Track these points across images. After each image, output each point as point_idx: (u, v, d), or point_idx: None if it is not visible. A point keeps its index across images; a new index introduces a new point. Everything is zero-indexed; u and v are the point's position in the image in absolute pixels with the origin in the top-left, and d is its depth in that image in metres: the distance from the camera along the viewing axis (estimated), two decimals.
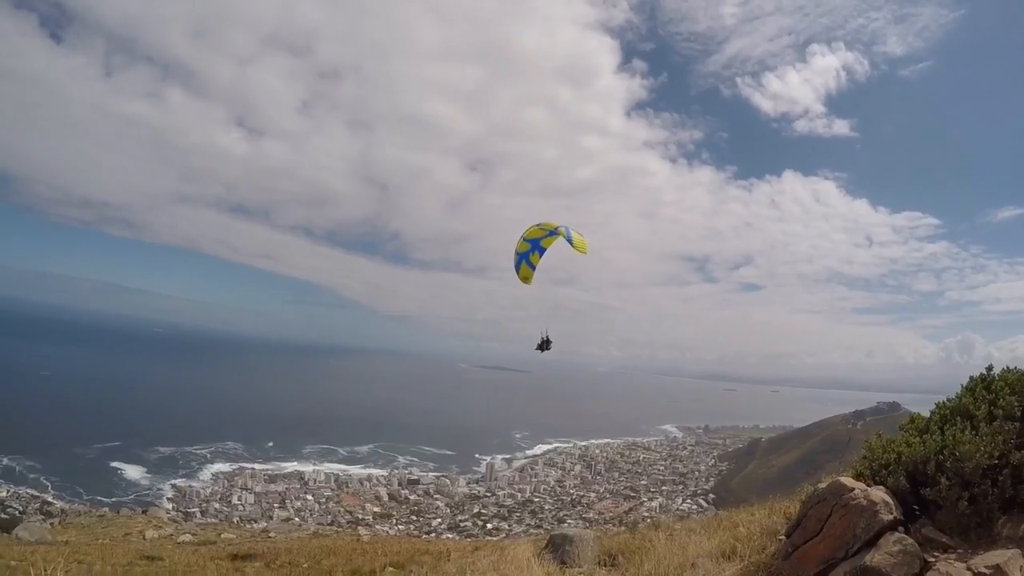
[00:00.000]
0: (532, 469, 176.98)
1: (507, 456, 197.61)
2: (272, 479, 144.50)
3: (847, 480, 10.47)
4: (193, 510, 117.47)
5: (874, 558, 9.01)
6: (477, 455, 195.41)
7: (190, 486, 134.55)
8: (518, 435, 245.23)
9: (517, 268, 25.20)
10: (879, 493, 9.84)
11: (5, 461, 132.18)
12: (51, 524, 68.05)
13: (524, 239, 24.59)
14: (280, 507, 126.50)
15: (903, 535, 9.35)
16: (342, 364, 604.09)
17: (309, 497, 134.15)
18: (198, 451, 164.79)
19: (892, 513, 9.61)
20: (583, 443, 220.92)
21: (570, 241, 23.06)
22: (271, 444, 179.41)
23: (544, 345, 27.73)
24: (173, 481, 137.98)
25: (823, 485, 10.79)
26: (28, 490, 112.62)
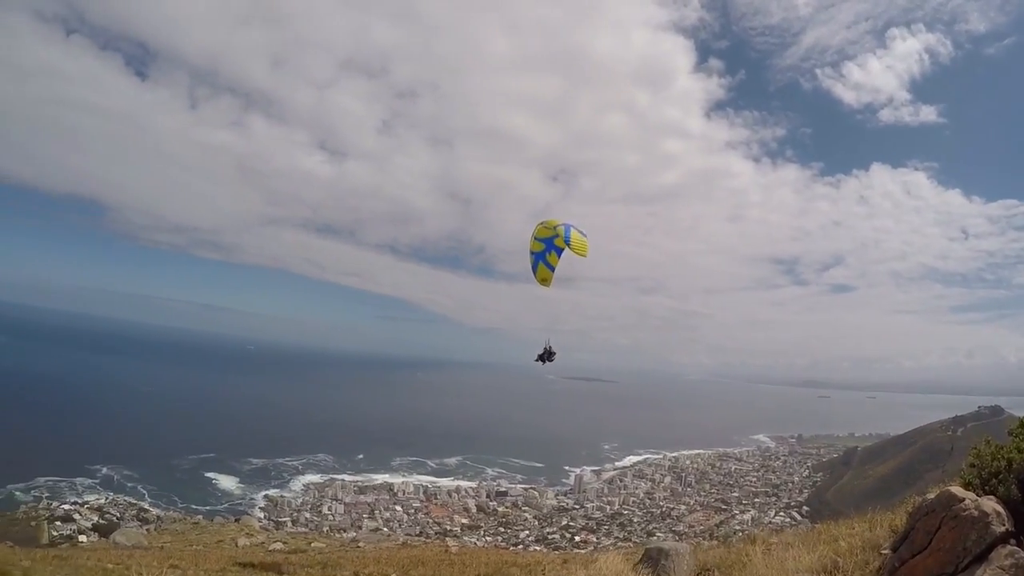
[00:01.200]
0: (621, 481, 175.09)
1: (596, 468, 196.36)
2: (362, 490, 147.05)
3: (957, 490, 9.90)
4: (284, 519, 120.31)
5: (985, 572, 8.60)
6: (566, 467, 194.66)
7: (282, 496, 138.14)
8: (607, 446, 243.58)
9: (534, 269, 24.74)
10: (990, 503, 9.35)
11: (105, 470, 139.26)
12: (147, 530, 70.44)
13: (536, 239, 24.05)
14: (369, 517, 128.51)
15: (1015, 548, 8.86)
16: (430, 377, 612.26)
17: (398, 508, 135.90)
18: (290, 463, 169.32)
19: (1004, 525, 9.12)
20: (673, 454, 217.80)
21: (567, 241, 22.32)
22: (361, 456, 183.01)
23: (546, 356, 26.54)
24: (265, 491, 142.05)
25: (931, 495, 10.32)
26: (126, 498, 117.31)
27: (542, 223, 24.00)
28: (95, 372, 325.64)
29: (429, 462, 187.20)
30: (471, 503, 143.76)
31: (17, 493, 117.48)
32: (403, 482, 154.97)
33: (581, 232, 22.91)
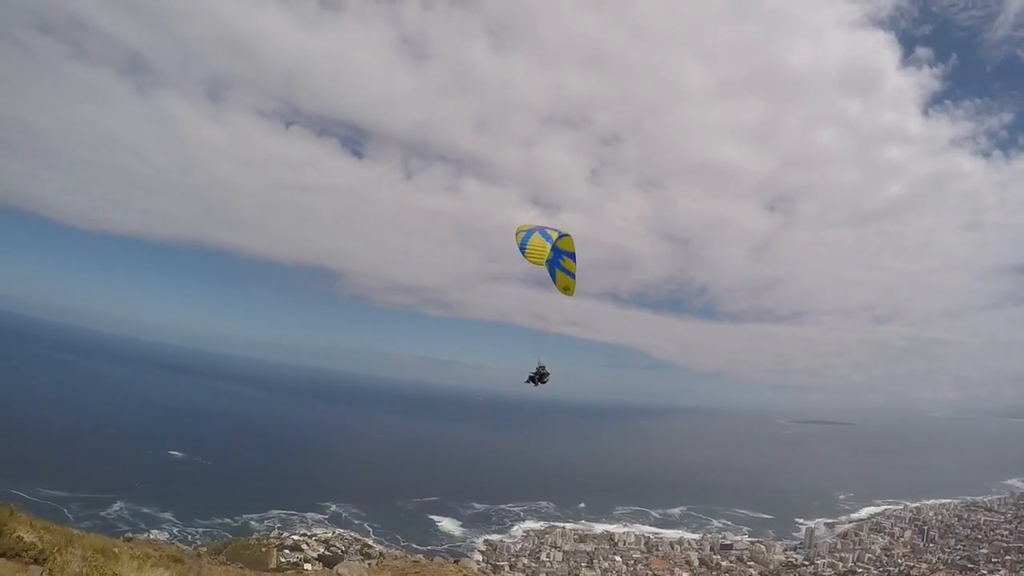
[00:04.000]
0: (856, 535, 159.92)
1: (829, 520, 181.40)
2: (582, 539, 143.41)
3: None
4: (503, 564, 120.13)
5: None
6: (796, 519, 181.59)
7: (502, 541, 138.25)
8: (841, 496, 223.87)
9: (553, 278, 24.01)
10: None
11: (334, 507, 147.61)
12: (368, 564, 71.64)
13: (535, 248, 21.68)
14: (587, 567, 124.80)
15: None
16: (654, 424, 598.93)
17: (617, 558, 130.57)
18: (512, 508, 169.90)
19: None
20: (914, 504, 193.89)
21: (521, 249, 21.32)
22: (583, 504, 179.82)
23: (538, 378, 24.91)
24: (486, 536, 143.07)
25: None
26: (352, 533, 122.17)
27: (525, 231, 22.33)
28: (332, 420, 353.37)
29: (652, 512, 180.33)
30: (694, 556, 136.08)
31: (252, 522, 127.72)
32: (624, 532, 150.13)
33: (549, 238, 21.77)
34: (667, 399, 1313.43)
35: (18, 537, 14.03)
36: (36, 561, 13.29)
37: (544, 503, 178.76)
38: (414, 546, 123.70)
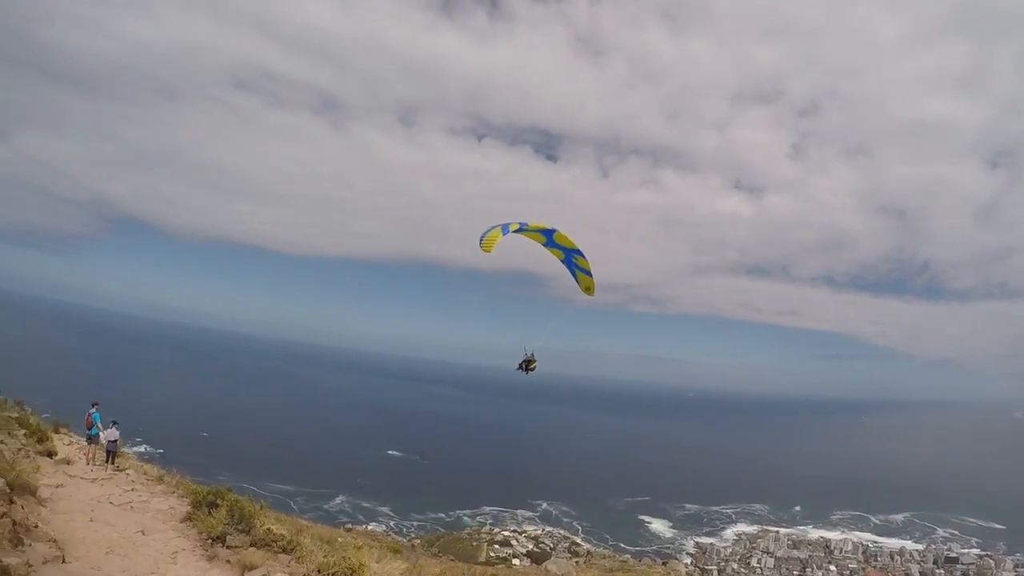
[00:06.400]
0: None
1: None
2: (795, 545, 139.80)
3: None
4: (711, 568, 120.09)
5: None
6: None
7: (712, 544, 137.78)
8: None
9: (575, 279, 25.62)
10: None
11: (545, 505, 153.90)
12: (576, 562, 75.79)
13: (487, 238, 23.04)
14: (800, 575, 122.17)
15: None
16: (875, 421, 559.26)
17: (832, 567, 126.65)
18: (724, 510, 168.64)
19: None
20: None
21: (480, 241, 22.78)
22: (798, 508, 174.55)
23: (525, 365, 25.51)
24: (696, 538, 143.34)
25: None
26: (561, 531, 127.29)
27: (501, 229, 23.59)
28: (544, 420, 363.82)
29: (872, 518, 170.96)
30: (914, 569, 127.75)
31: (465, 517, 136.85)
32: (841, 539, 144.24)
33: (506, 227, 23.13)
34: (889, 391, 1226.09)
35: (268, 529, 18.45)
36: (284, 551, 16.58)
37: (758, 505, 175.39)
38: (622, 546, 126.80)
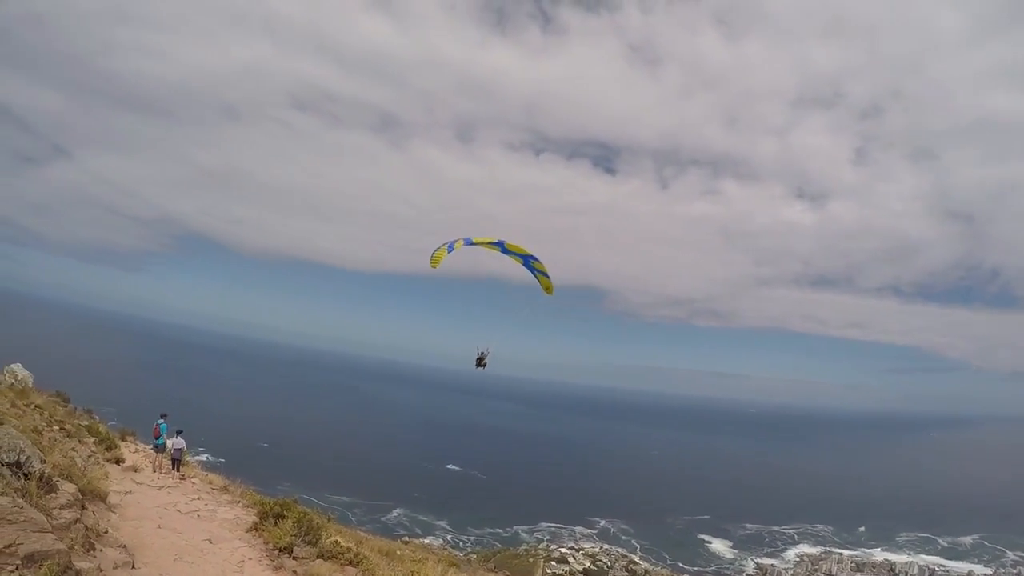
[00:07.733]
0: None
1: None
2: (859, 567, 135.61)
3: None
4: None
5: None
6: None
7: (772, 565, 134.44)
8: None
9: (539, 282, 26.57)
10: None
11: (603, 522, 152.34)
12: None
13: (435, 256, 24.11)
14: None
15: None
16: (946, 437, 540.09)
17: None
18: (786, 531, 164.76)
19: None
20: None
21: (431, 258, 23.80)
22: (863, 529, 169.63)
23: (478, 361, 26.86)
24: (756, 559, 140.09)
25: None
26: (618, 549, 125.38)
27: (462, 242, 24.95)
28: (605, 436, 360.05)
29: (940, 540, 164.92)
30: None
31: (522, 533, 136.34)
32: (907, 562, 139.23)
33: (451, 244, 24.21)
34: (962, 406, 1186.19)
35: (334, 541, 18.69)
36: (351, 563, 16.69)
37: (821, 526, 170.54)
38: (681, 565, 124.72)
